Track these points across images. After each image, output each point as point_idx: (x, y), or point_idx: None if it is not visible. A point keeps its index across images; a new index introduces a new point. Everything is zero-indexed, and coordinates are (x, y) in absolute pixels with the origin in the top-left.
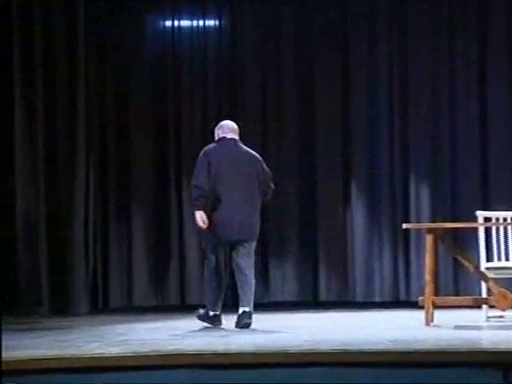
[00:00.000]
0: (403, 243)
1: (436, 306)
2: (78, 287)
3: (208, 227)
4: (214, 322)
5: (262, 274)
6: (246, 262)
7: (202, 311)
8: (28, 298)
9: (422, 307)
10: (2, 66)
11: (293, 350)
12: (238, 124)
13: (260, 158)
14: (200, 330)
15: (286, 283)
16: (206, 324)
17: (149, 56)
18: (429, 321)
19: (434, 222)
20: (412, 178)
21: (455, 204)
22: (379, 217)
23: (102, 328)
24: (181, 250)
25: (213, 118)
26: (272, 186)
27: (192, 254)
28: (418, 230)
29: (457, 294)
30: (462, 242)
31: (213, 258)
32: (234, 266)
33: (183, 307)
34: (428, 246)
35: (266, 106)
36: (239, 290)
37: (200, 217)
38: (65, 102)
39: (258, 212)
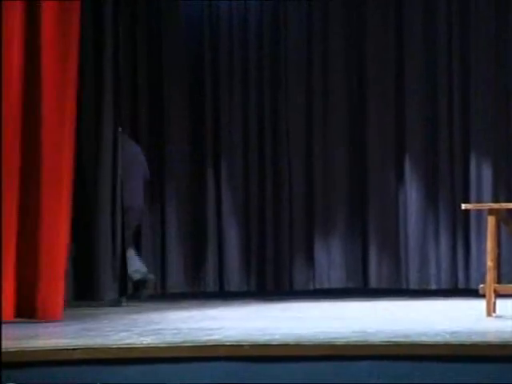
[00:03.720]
0: (462, 225)
1: (498, 295)
2: (103, 272)
3: None
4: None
5: (307, 258)
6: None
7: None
8: None
9: (482, 296)
10: None
11: (340, 341)
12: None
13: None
14: (239, 319)
15: (333, 269)
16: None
17: (184, 33)
18: (491, 311)
19: (496, 202)
20: (473, 154)
21: None
22: (436, 196)
23: (133, 316)
24: (219, 233)
25: (253, 98)
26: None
27: (231, 238)
28: (479, 211)
29: None
30: None
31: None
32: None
33: (221, 294)
34: (490, 229)
35: (312, 81)
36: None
37: None
38: (90, 76)
39: None
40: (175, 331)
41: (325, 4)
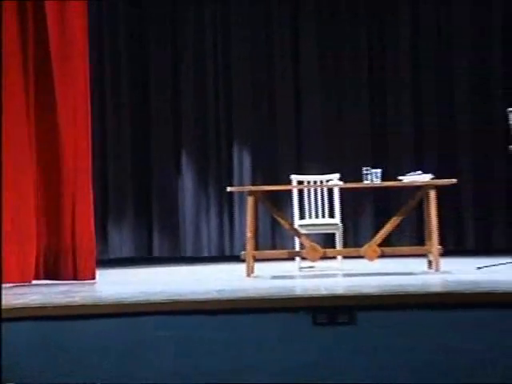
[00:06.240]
0: (228, 204)
1: (256, 259)
2: None
3: None
4: None
5: (102, 233)
6: None
7: None
8: None
9: (244, 261)
10: None
11: (128, 301)
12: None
13: None
14: (44, 286)
15: (124, 241)
16: None
17: None
18: (250, 272)
19: (254, 184)
20: (236, 144)
21: (273, 167)
22: (206, 181)
23: None
24: None
25: None
26: None
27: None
28: (241, 193)
29: (274, 248)
30: (279, 202)
31: None
32: None
33: None
34: (249, 207)
35: (103, 82)
36: None
37: None
38: None
39: None
40: None
41: (113, 5)
